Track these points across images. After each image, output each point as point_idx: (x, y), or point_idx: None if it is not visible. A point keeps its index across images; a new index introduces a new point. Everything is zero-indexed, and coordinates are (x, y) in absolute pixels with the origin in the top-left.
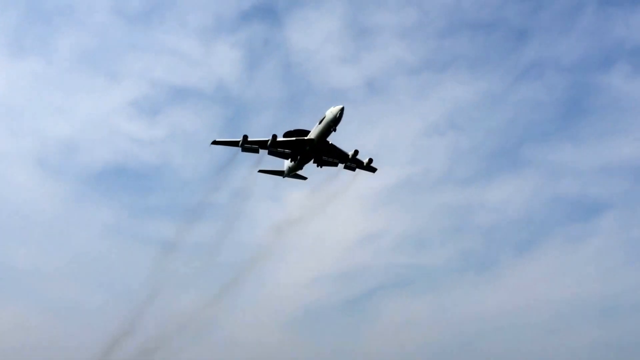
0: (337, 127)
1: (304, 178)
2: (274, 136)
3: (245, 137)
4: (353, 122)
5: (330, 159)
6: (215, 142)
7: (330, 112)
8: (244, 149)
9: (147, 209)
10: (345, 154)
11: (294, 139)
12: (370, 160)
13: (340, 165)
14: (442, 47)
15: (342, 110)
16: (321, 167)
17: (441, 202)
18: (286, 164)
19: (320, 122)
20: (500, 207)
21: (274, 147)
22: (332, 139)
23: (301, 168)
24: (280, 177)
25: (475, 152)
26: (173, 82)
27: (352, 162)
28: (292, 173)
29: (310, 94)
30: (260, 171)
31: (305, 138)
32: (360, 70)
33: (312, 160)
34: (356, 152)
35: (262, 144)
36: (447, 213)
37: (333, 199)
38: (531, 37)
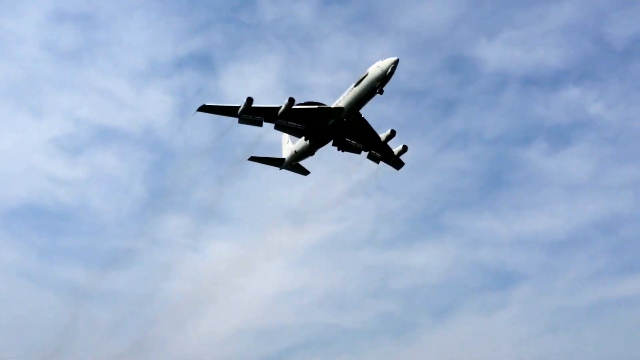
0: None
1: (306, 172)
2: (291, 100)
3: (249, 100)
4: (279, 178)
5: (354, 142)
6: (203, 108)
7: (378, 68)
8: (243, 120)
9: (59, 251)
10: (376, 135)
11: (316, 107)
12: (404, 149)
13: (364, 154)
14: (374, 110)
15: (396, 63)
16: (343, 150)
17: (364, 262)
18: (288, 149)
19: (357, 84)
20: (421, 271)
21: (286, 117)
22: None
23: (313, 153)
24: (277, 168)
25: (399, 215)
26: (99, 123)
27: (382, 149)
28: (295, 162)
29: (239, 145)
30: (252, 159)
31: (332, 106)
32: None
33: (332, 142)
34: (393, 132)
35: (269, 113)
36: (369, 274)
37: (260, 255)
38: (458, 109)
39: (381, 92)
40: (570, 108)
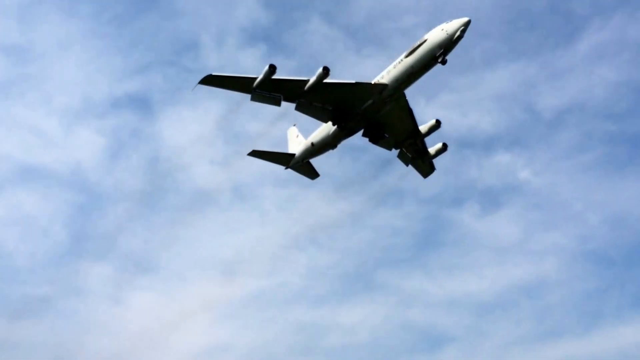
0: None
1: (315, 175)
2: (326, 70)
3: (272, 68)
4: (213, 226)
5: (386, 134)
6: (208, 79)
7: (442, 31)
8: (258, 96)
9: None
10: (416, 126)
11: (353, 82)
12: (444, 148)
13: (394, 151)
14: (315, 161)
15: (467, 25)
16: (376, 142)
17: (293, 319)
18: (299, 143)
19: (409, 54)
20: (351, 330)
21: (314, 94)
22: None
23: (335, 146)
24: (282, 167)
25: (332, 271)
26: (23, 160)
27: (417, 145)
28: (307, 159)
29: (173, 191)
30: (254, 153)
31: (373, 82)
32: (229, 174)
33: (363, 132)
34: (438, 123)
35: (293, 89)
36: (298, 331)
37: (186, 309)
38: (394, 167)
39: (444, 62)
40: (501, 172)
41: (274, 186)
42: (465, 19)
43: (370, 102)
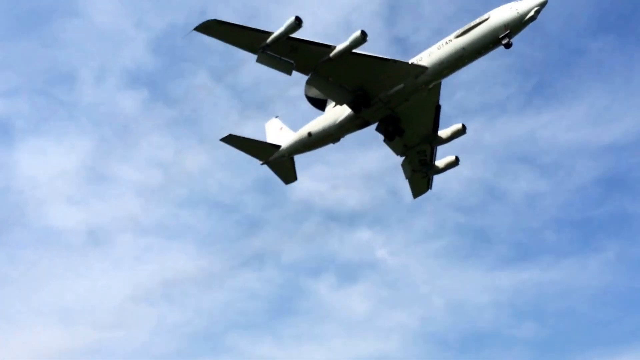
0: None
1: (292, 178)
2: (364, 33)
3: (298, 20)
4: (60, 270)
5: (402, 130)
6: (210, 24)
7: (511, 9)
8: (266, 58)
9: None
10: (435, 131)
11: (388, 57)
12: (455, 162)
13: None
14: (179, 215)
15: (543, 5)
16: (391, 139)
17: None
18: (286, 134)
19: (462, 34)
20: None
21: (336, 66)
22: None
23: (338, 139)
24: (258, 161)
25: (181, 329)
26: None
27: (427, 153)
28: (293, 155)
29: (20, 225)
30: (229, 139)
31: (410, 62)
32: (87, 216)
33: (377, 125)
34: (464, 128)
35: (312, 56)
36: None
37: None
38: (261, 230)
39: (508, 45)
40: (361, 248)
41: (133, 233)
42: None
43: (400, 86)
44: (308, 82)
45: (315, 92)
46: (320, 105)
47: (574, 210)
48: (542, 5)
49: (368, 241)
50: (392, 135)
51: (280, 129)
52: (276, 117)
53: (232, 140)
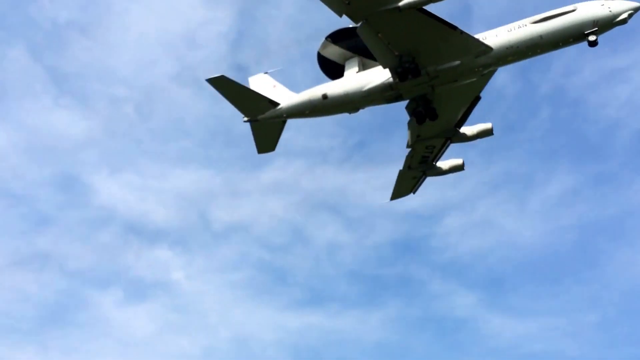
0: None
1: (271, 147)
2: None
3: None
4: None
5: (436, 114)
6: None
7: (603, 7)
8: None
9: None
10: (460, 125)
11: (455, 25)
12: (461, 167)
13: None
14: None
15: (637, 10)
16: (421, 123)
17: None
18: (287, 93)
19: (541, 20)
20: None
21: (397, 20)
22: None
23: (357, 110)
24: (243, 117)
25: None
26: None
27: (436, 150)
28: (288, 118)
29: None
30: (219, 80)
31: (476, 38)
32: None
33: (408, 104)
34: (490, 130)
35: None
36: None
37: None
38: (50, 230)
39: (594, 44)
40: (157, 267)
41: None
42: (638, 4)
43: (456, 63)
44: (359, 30)
45: (331, 53)
46: (331, 71)
47: (367, 266)
48: (636, 10)
49: (166, 260)
50: (424, 118)
51: (274, 86)
52: (265, 72)
53: (222, 83)
